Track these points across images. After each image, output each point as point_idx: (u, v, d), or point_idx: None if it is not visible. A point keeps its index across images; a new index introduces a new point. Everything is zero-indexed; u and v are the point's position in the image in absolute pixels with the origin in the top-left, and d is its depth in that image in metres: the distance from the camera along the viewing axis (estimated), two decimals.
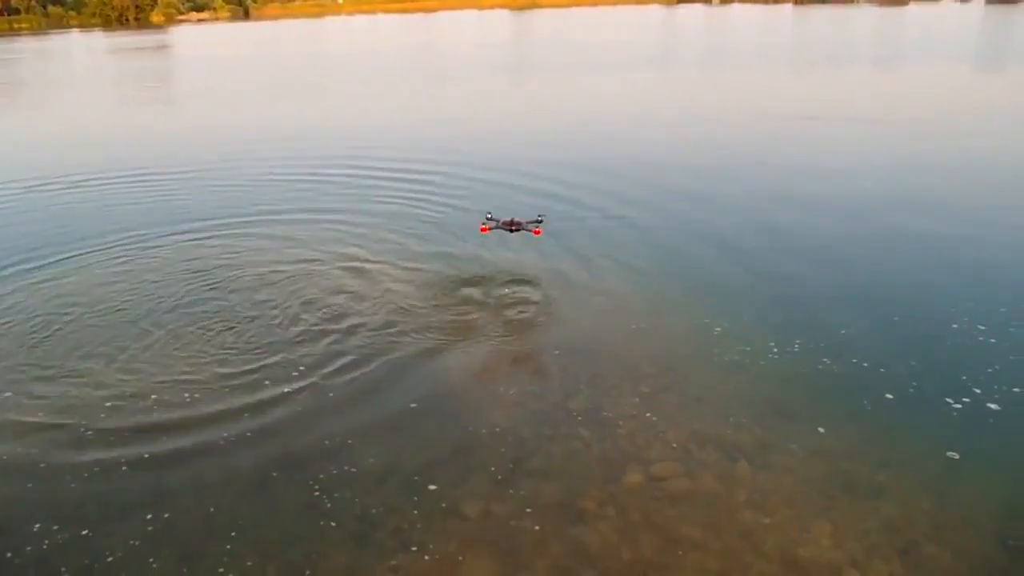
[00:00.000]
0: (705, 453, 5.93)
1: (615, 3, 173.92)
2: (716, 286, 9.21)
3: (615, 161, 16.22)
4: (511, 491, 5.55)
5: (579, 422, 6.39)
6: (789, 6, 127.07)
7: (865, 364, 7.16)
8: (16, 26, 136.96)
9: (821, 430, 6.19)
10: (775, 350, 7.46)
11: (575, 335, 7.96)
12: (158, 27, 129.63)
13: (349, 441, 6.18)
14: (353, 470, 5.82)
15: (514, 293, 9.03)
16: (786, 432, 6.19)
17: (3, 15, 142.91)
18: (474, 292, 9.06)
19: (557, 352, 7.61)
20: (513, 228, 9.13)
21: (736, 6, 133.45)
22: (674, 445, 6.04)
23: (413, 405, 6.70)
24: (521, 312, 8.53)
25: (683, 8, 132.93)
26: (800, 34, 63.99)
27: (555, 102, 27.00)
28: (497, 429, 6.32)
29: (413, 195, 13.70)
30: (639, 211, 12.30)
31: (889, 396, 6.63)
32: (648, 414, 6.47)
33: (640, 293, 9.05)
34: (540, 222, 9.18)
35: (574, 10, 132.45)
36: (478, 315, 8.44)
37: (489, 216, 9.18)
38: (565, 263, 9.95)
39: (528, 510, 5.34)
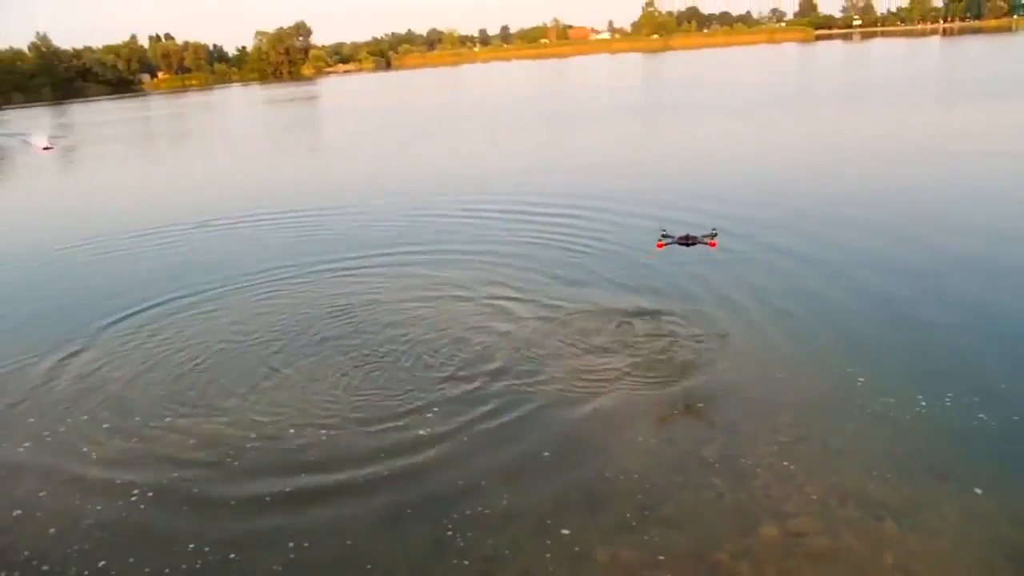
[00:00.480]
0: (847, 510, 5.63)
1: (749, 43, 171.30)
2: (861, 333, 8.74)
3: (757, 203, 15.65)
4: (642, 538, 5.48)
5: (713, 471, 6.23)
6: (936, 38, 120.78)
7: None
8: (187, 82, 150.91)
9: (978, 491, 5.75)
10: (923, 403, 6.99)
11: (713, 381, 7.79)
12: (308, 79, 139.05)
13: (482, 482, 6.29)
14: (485, 511, 5.92)
15: (655, 336, 8.94)
16: (938, 491, 5.80)
17: (177, 73, 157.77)
18: (615, 333, 9.06)
19: (694, 398, 7.49)
20: (689, 243, 9.23)
21: (878, 40, 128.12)
22: (814, 499, 5.78)
23: (547, 448, 6.75)
24: (660, 356, 8.43)
25: (821, 44, 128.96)
26: (947, 65, 60.52)
27: (692, 142, 26.75)
28: (630, 475, 6.26)
29: (556, 234, 13.89)
30: (785, 254, 11.87)
31: None
32: (786, 465, 6.22)
33: (783, 339, 8.73)
34: (715, 235, 9.19)
35: (707, 51, 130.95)
36: (617, 357, 8.40)
37: (664, 232, 9.29)
38: (708, 305, 9.77)
39: (658, 559, 5.26)
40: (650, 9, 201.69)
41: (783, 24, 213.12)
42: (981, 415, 6.74)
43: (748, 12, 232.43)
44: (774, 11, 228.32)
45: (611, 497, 6.00)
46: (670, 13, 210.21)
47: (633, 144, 27.72)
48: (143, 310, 11.16)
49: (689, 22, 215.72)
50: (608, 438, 6.85)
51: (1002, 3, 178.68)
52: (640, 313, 9.63)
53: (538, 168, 22.84)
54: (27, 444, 7.41)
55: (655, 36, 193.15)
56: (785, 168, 20.23)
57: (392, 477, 6.42)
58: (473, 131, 36.13)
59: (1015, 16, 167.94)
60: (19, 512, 6.34)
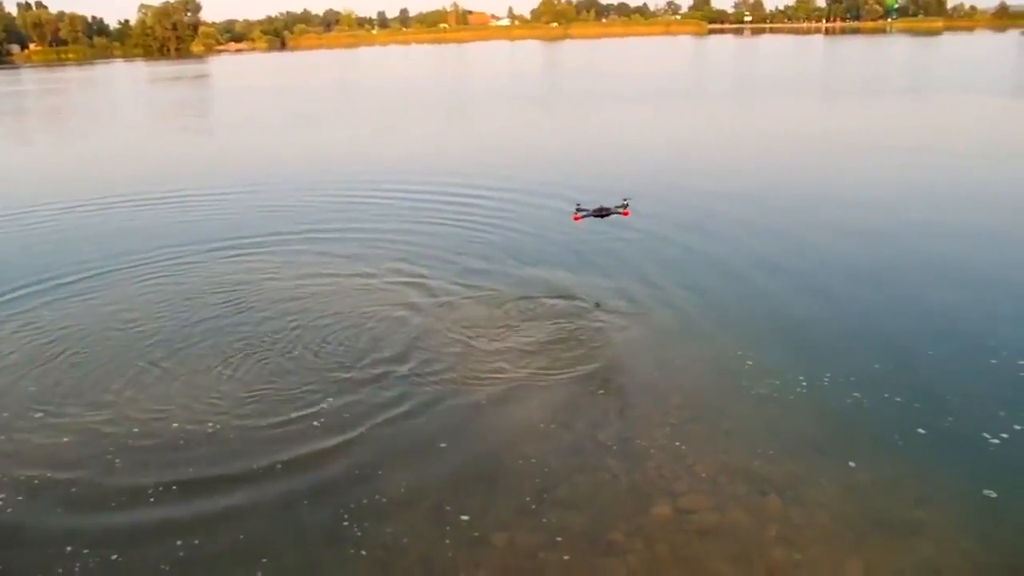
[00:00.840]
0: (735, 486, 5.85)
1: (645, 34, 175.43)
2: (749, 317, 9.14)
3: (655, 190, 15.97)
4: (539, 521, 5.52)
5: (609, 453, 6.35)
6: (819, 37, 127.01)
7: (898, 398, 7.03)
8: (63, 56, 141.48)
9: (852, 464, 6.08)
10: (804, 384, 7.34)
11: (609, 364, 7.94)
12: (198, 57, 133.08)
13: (378, 471, 6.19)
14: (382, 500, 5.83)
15: (550, 321, 9.02)
16: (817, 466, 6.10)
17: (52, 45, 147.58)
18: (511, 318, 9.10)
19: (589, 382, 7.59)
20: (604, 214, 9.43)
21: (767, 37, 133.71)
22: (703, 478, 5.97)
23: (443, 435, 6.70)
24: (555, 341, 8.50)
25: (714, 38, 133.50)
26: (831, 64, 63.81)
27: (591, 131, 27.15)
28: (526, 459, 6.30)
29: (455, 218, 13.88)
30: (678, 240, 12.25)
31: (922, 431, 6.51)
32: (678, 445, 6.41)
33: (676, 323, 8.98)
34: (627, 204, 9.34)
35: (605, 41, 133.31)
36: (513, 342, 8.45)
37: (579, 206, 9.40)
38: (603, 290, 9.94)
39: (555, 540, 5.31)
40: None
41: (678, 17, 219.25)
42: (856, 393, 7.14)
43: (645, 4, 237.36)
44: (670, 4, 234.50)
45: (508, 482, 6.02)
46: (569, 2, 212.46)
47: (534, 130, 27.95)
48: (9, 297, 10.42)
49: (588, 11, 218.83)
50: (504, 423, 6.88)
51: (877, 7, 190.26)
52: (536, 297, 9.72)
53: (438, 152, 22.77)
54: None
55: (554, 24, 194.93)
56: (680, 155, 20.85)
57: (284, 469, 6.24)
58: (370, 115, 35.55)
59: (888, 20, 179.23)
60: None
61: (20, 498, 5.98)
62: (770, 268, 10.85)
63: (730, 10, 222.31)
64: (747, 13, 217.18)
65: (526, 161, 20.28)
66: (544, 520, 5.53)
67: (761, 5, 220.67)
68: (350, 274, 10.95)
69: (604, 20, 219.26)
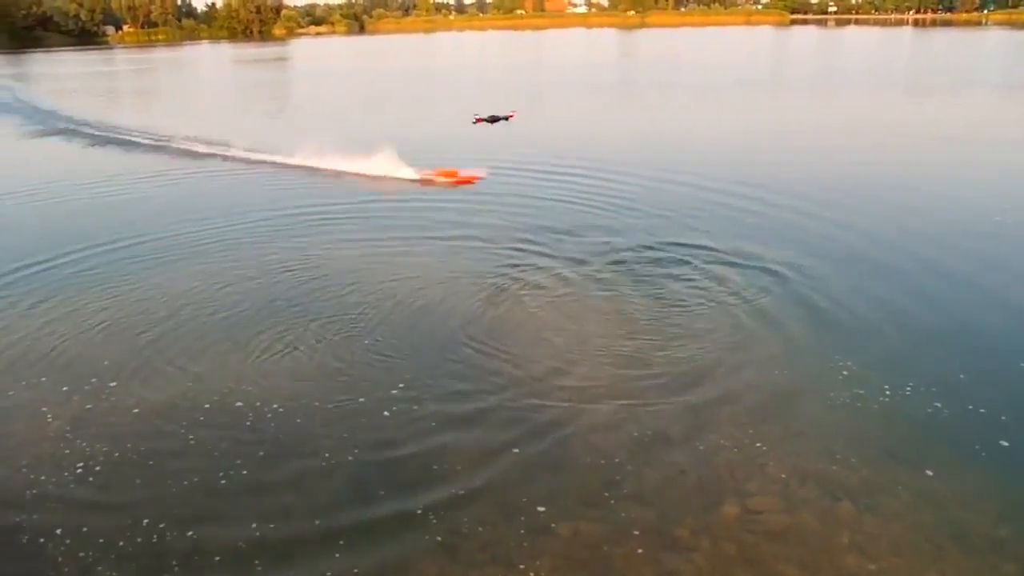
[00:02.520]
0: (807, 490, 5.74)
1: (725, 23, 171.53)
2: (834, 318, 8.83)
3: (743, 184, 15.55)
4: (605, 513, 5.53)
5: (677, 448, 6.30)
6: (908, 29, 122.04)
7: (982, 410, 6.76)
8: (153, 37, 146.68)
9: (931, 474, 5.90)
10: (887, 390, 7.12)
11: (683, 360, 7.82)
12: (280, 39, 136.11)
13: (448, 458, 6.26)
14: (451, 485, 5.90)
15: (630, 314, 8.98)
16: (894, 475, 5.93)
17: (143, 27, 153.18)
18: (595, 311, 9.11)
19: (660, 376, 7.51)
20: (495, 120, 14.48)
21: (851, 28, 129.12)
22: (774, 479, 5.88)
23: (513, 427, 6.72)
24: (630, 335, 8.43)
25: (796, 29, 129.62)
26: (920, 56, 61.24)
27: (676, 122, 26.72)
28: (593, 451, 6.30)
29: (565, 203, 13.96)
30: (772, 239, 11.87)
31: (1006, 444, 6.26)
32: (749, 444, 6.32)
33: (758, 321, 8.75)
34: (513, 113, 14.16)
35: (683, 30, 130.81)
36: (593, 336, 8.44)
37: (477, 115, 14.49)
38: (698, 288, 9.71)
39: (621, 533, 5.31)
40: None
41: (760, 6, 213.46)
42: (938, 403, 6.89)
43: None
44: None
45: (575, 472, 6.04)
46: None
47: (611, 125, 27.62)
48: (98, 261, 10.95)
49: None
50: (574, 416, 6.85)
51: None
52: (618, 289, 9.70)
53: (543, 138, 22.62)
54: None
55: (631, 12, 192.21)
56: (764, 152, 20.31)
57: (355, 452, 6.33)
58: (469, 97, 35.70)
59: (985, 11, 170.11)
60: None
61: (98, 468, 6.20)
62: (860, 268, 10.52)
63: (814, 0, 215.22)
64: (832, 3, 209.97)
65: (613, 155, 20.01)
66: (610, 513, 5.53)
67: None
68: (452, 264, 11.01)
69: (683, 8, 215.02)
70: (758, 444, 6.31)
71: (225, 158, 19.77)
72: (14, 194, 16.55)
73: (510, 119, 13.68)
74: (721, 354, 7.93)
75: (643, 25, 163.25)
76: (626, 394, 7.17)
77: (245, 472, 6.10)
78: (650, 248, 11.28)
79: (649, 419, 6.75)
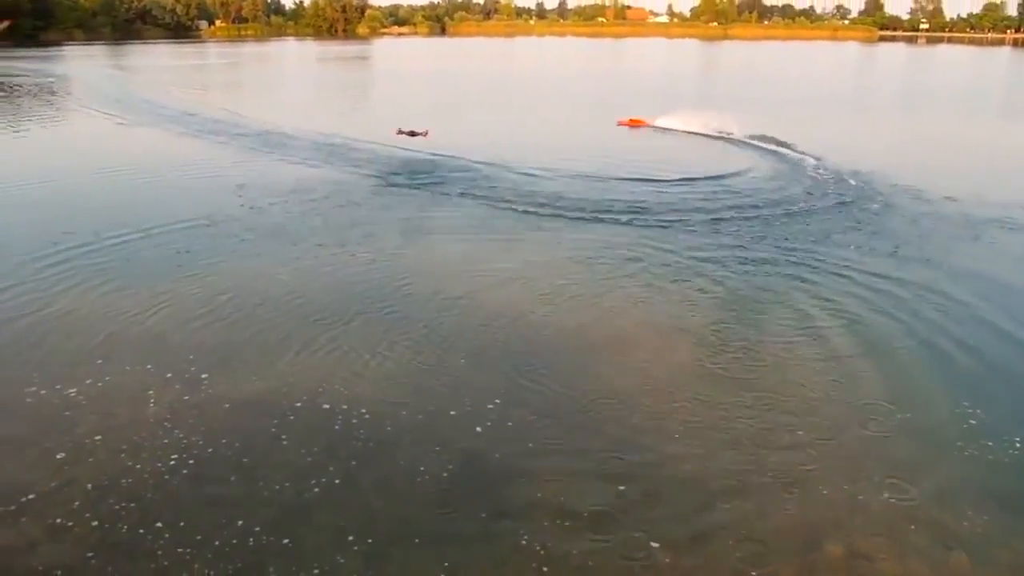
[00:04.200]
0: (917, 536, 5.42)
1: (810, 38, 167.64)
2: (954, 359, 8.19)
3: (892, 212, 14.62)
4: (701, 545, 5.32)
5: (776, 479, 6.04)
6: (1006, 48, 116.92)
7: None
8: (243, 32, 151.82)
9: None
10: (1017, 441, 6.61)
11: (789, 385, 7.52)
12: (363, 38, 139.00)
13: (534, 475, 6.14)
14: (541, 504, 5.77)
15: (735, 331, 8.74)
16: (1013, 529, 5.56)
17: (234, 22, 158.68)
18: (696, 327, 8.91)
19: (762, 400, 7.21)
20: (413, 134, 17.12)
21: (943, 46, 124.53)
22: (882, 521, 5.57)
23: (606, 446, 6.56)
24: (735, 353, 8.18)
25: (884, 46, 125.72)
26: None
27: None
28: (684, 477, 6.10)
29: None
30: (902, 264, 11.29)
31: None
32: (854, 484, 6.00)
33: (883, 358, 8.19)
34: (427, 132, 17.08)
35: (767, 44, 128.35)
36: (693, 350, 8.27)
37: (400, 128, 17.15)
38: (817, 319, 9.18)
39: (719, 566, 5.11)
40: None
41: (846, 22, 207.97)
42: None
43: (811, 7, 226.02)
44: (839, 8, 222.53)
45: (671, 500, 5.83)
46: (731, 1, 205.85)
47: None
48: (196, 260, 11.22)
49: (750, 12, 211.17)
50: (669, 439, 6.65)
51: None
52: (733, 309, 9.46)
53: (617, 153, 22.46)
54: (88, 381, 7.45)
55: (714, 24, 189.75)
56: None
57: (448, 465, 6.22)
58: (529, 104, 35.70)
59: None
60: (65, 456, 6.32)
61: (192, 462, 6.23)
62: (1002, 307, 9.79)
63: (904, 16, 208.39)
64: (924, 20, 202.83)
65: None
66: (708, 544, 5.32)
67: (940, 12, 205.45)
68: (552, 273, 10.88)
69: (766, 22, 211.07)
70: (864, 483, 6.00)
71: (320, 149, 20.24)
72: (116, 175, 17.22)
73: (426, 136, 17.09)
74: (826, 386, 7.58)
75: (725, 37, 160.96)
76: (723, 424, 6.91)
77: (335, 476, 6.08)
78: (766, 262, 11.04)
79: (746, 444, 6.51)
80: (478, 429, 6.71)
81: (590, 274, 10.70)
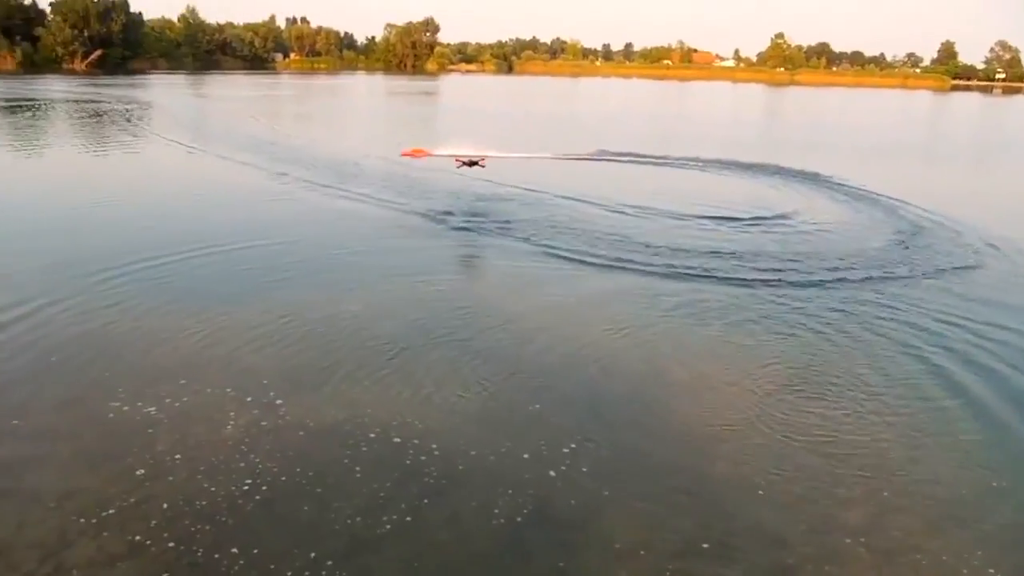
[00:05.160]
0: None
1: (879, 86, 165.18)
2: None
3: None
4: None
5: (857, 539, 5.83)
6: None
7: None
8: (316, 65, 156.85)
9: None
10: None
11: (875, 437, 7.34)
12: (430, 74, 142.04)
13: (604, 512, 6.08)
14: (604, 543, 5.70)
15: (829, 383, 8.52)
16: None
17: (308, 56, 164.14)
18: (782, 371, 8.79)
19: (844, 455, 7.02)
20: (472, 164, 16.91)
21: (1021, 97, 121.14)
22: None
23: (681, 487, 6.51)
24: (821, 410, 7.93)
25: (957, 95, 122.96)
26: None
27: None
28: (764, 531, 5.94)
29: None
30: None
31: None
32: (936, 546, 5.77)
33: (975, 411, 7.99)
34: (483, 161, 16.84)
35: (834, 90, 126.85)
36: (774, 395, 8.11)
37: (459, 159, 16.91)
38: (907, 373, 8.93)
39: None
40: (779, 41, 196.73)
41: (918, 70, 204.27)
42: None
43: (881, 54, 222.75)
44: (910, 55, 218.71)
45: (751, 556, 5.68)
46: (799, 47, 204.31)
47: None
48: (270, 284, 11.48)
49: (818, 58, 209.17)
50: (748, 490, 6.49)
51: None
52: (816, 357, 9.29)
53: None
54: (167, 400, 7.65)
55: (780, 69, 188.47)
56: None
57: (518, 508, 6.16)
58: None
59: None
60: (144, 473, 6.48)
61: (265, 488, 6.31)
62: None
63: (980, 65, 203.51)
64: (1000, 69, 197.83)
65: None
66: None
67: (1018, 61, 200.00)
68: (646, 315, 10.92)
69: (834, 68, 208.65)
70: (946, 546, 5.75)
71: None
72: (192, 198, 17.84)
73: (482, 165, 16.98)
74: (906, 444, 7.33)
75: (792, 83, 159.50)
76: (802, 477, 6.72)
77: (406, 512, 6.08)
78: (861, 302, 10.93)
79: (826, 501, 6.32)
80: (552, 473, 6.63)
81: (668, 320, 10.60)
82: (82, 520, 5.82)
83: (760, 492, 6.43)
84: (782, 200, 20.11)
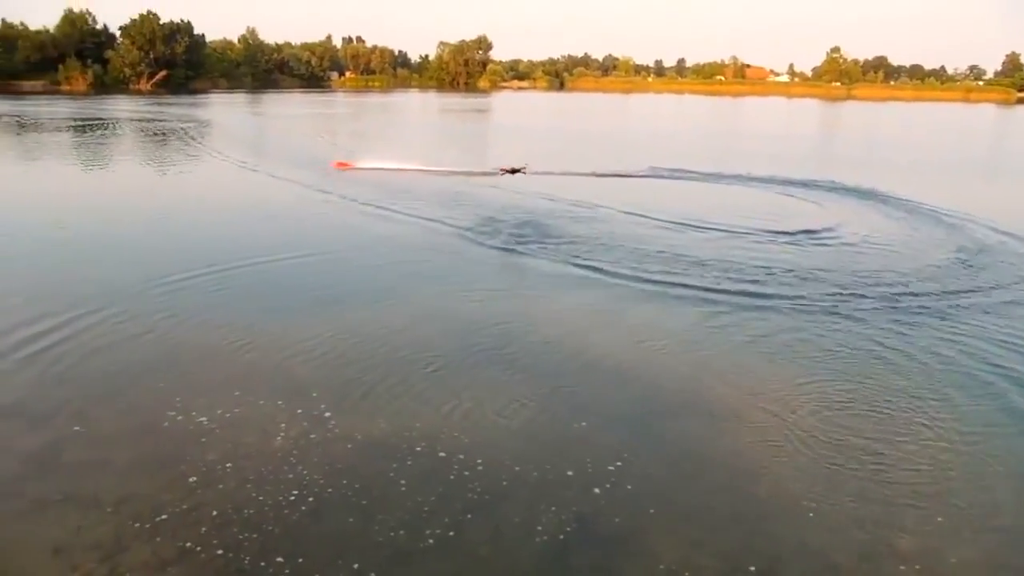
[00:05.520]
0: None
1: (939, 99, 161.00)
2: None
3: None
4: None
5: (910, 566, 5.66)
6: None
7: None
8: (370, 83, 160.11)
9: None
10: None
11: (930, 472, 7.03)
12: (483, 91, 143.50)
13: (659, 548, 6.01)
14: (649, 563, 5.64)
15: (884, 416, 8.15)
16: None
17: (362, 74, 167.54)
18: (816, 396, 8.56)
19: (895, 479, 6.83)
20: (514, 171, 16.63)
21: None
22: None
23: (727, 510, 6.41)
24: (877, 435, 7.67)
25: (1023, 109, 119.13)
26: None
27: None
28: (809, 553, 5.81)
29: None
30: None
31: None
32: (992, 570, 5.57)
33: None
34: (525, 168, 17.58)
35: (892, 105, 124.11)
36: (812, 423, 7.91)
37: (502, 167, 16.06)
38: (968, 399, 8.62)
39: None
40: (835, 55, 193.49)
41: (981, 83, 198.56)
42: None
43: (942, 67, 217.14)
44: (972, 68, 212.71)
45: (790, 574, 5.57)
46: (855, 61, 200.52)
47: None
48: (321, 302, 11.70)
49: (876, 72, 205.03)
50: (797, 514, 6.35)
51: None
52: (873, 381, 9.03)
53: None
54: (219, 411, 7.84)
55: (837, 84, 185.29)
56: None
57: (562, 525, 6.12)
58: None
59: None
60: (196, 480, 6.64)
61: (311, 499, 6.39)
62: None
63: None
64: None
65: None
66: None
67: None
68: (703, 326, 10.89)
69: (892, 82, 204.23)
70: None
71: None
72: (247, 213, 18.33)
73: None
74: (977, 464, 7.12)
75: (848, 98, 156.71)
76: (855, 495, 6.57)
77: (449, 526, 6.10)
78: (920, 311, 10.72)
79: (880, 526, 6.15)
80: (596, 490, 6.59)
81: (717, 338, 10.45)
82: (137, 524, 5.99)
83: (810, 515, 6.29)
84: (836, 216, 19.69)
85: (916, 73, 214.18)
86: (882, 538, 6.02)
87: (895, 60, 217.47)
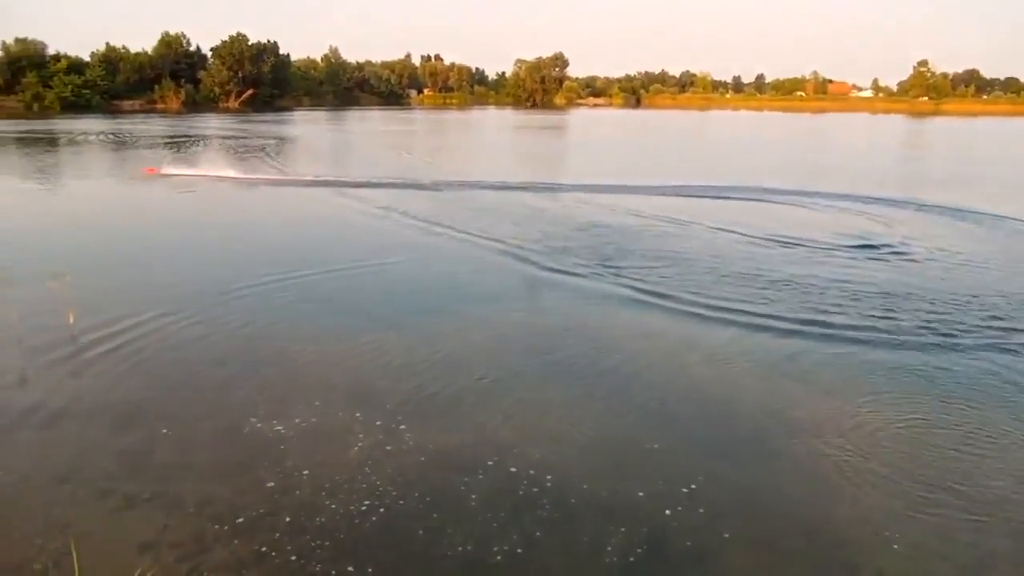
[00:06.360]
0: None
1: None
2: None
3: None
4: None
5: None
6: None
7: None
8: (448, 101, 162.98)
9: None
10: None
11: (991, 495, 6.78)
12: (559, 108, 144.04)
13: (738, 570, 5.90)
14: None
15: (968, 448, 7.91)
16: None
17: (440, 91, 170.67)
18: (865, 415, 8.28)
19: (991, 515, 6.52)
20: None
21: None
22: None
23: (795, 527, 6.24)
24: (959, 466, 7.42)
25: None
26: None
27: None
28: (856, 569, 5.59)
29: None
30: None
31: None
32: None
33: None
34: None
35: (987, 119, 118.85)
36: (891, 450, 7.65)
37: None
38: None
39: None
40: (922, 69, 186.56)
41: None
42: None
43: None
44: None
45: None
46: (944, 74, 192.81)
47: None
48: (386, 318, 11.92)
49: (966, 85, 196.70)
50: (877, 544, 6.11)
51: None
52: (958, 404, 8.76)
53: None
54: (297, 420, 8.07)
55: (924, 98, 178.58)
56: None
57: (631, 540, 6.10)
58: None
59: None
60: (273, 486, 6.83)
61: (382, 510, 6.46)
62: None
63: None
64: None
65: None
66: None
67: None
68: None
69: (984, 96, 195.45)
70: None
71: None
72: (324, 228, 18.84)
73: None
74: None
75: (936, 113, 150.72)
76: (940, 525, 6.33)
77: (518, 543, 6.10)
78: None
79: (967, 558, 5.92)
80: (667, 512, 6.51)
81: (796, 362, 10.11)
82: (216, 526, 6.21)
83: (895, 546, 6.05)
84: (919, 236, 18.96)
85: (1011, 86, 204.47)
86: (971, 569, 5.78)
87: (987, 73, 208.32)
